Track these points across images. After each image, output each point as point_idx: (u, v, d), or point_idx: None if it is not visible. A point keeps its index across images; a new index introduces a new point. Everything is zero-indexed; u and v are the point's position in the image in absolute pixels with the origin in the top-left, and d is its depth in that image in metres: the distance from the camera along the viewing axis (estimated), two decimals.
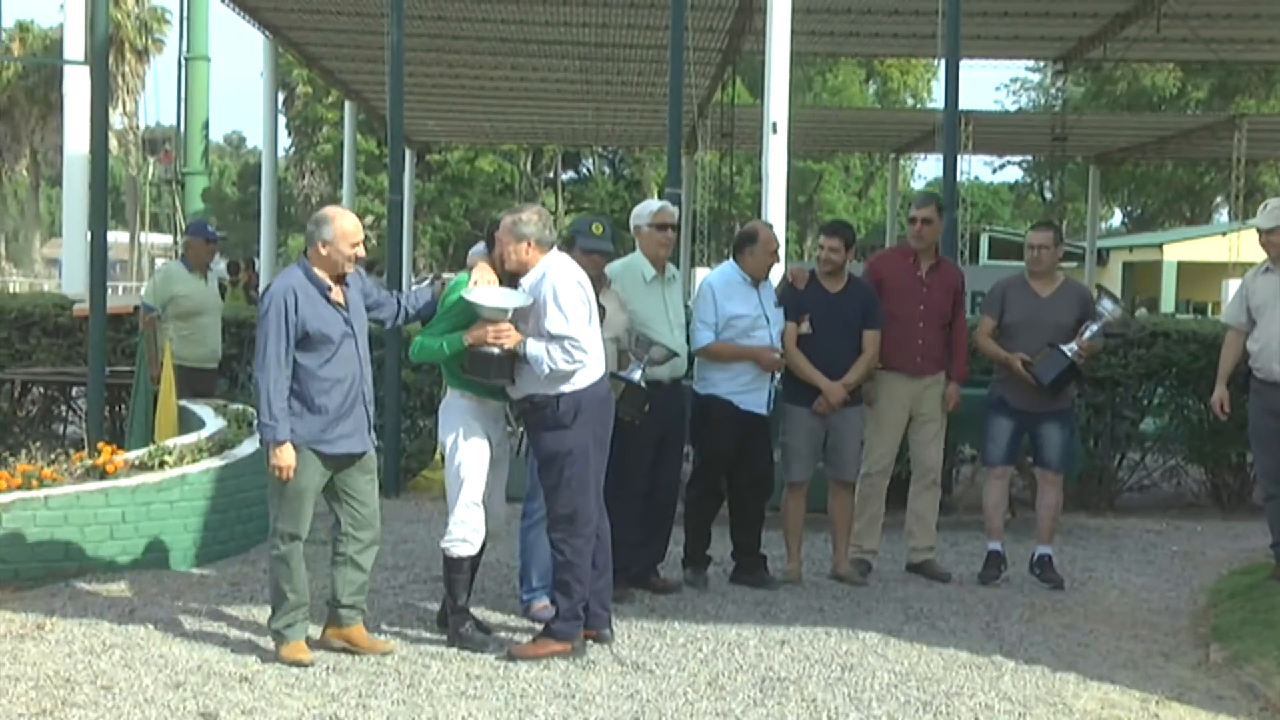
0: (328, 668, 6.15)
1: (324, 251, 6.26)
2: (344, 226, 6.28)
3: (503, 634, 6.78)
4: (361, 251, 6.39)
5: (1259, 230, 7.81)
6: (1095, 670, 6.39)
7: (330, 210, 6.47)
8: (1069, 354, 7.91)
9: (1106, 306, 8.08)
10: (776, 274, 8.27)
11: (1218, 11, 19.01)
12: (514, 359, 6.38)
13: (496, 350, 6.33)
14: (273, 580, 6.35)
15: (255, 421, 6.24)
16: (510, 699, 5.79)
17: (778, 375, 7.93)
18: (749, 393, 7.74)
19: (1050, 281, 8.14)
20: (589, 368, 6.38)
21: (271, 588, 6.38)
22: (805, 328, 7.90)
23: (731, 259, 8.02)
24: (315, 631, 6.46)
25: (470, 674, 6.12)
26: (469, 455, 6.56)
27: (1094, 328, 8.00)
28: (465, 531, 6.57)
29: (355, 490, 6.45)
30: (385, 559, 7.94)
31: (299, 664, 6.16)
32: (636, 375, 7.18)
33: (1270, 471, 7.93)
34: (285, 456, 6.14)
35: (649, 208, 7.77)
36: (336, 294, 6.29)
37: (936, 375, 8.26)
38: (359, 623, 6.52)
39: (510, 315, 6.35)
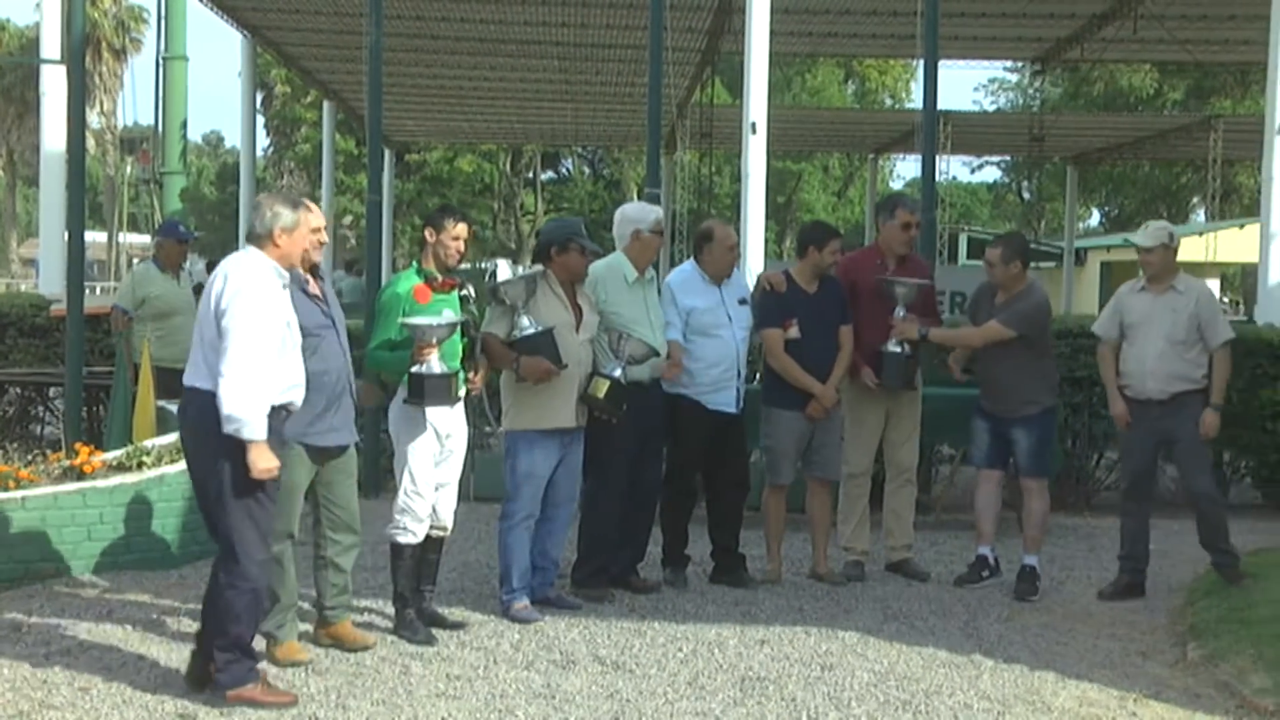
0: (307, 668, 6.14)
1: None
2: (302, 216, 6.14)
3: (483, 634, 6.78)
4: (324, 237, 6.31)
5: (1138, 248, 7.93)
6: (1073, 669, 6.42)
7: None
8: (894, 348, 7.98)
9: (898, 291, 8.06)
10: (752, 276, 8.29)
11: (1194, 13, 19.08)
12: (453, 380, 6.57)
13: (424, 370, 6.48)
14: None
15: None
16: (490, 699, 5.79)
17: (743, 373, 7.91)
18: (717, 391, 7.75)
19: (1009, 293, 8.01)
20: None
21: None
22: (794, 332, 7.91)
23: (692, 258, 8.04)
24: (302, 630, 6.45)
25: (450, 674, 6.13)
26: (414, 445, 6.68)
27: (899, 311, 8.05)
28: (408, 520, 6.69)
29: (335, 491, 6.45)
30: (364, 559, 7.91)
31: (296, 663, 6.16)
32: (617, 372, 7.20)
33: (1133, 489, 8.04)
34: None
35: (652, 214, 7.76)
36: (314, 287, 6.30)
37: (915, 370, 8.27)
38: (346, 619, 6.56)
39: (434, 339, 6.46)
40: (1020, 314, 7.88)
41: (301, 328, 6.10)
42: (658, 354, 7.47)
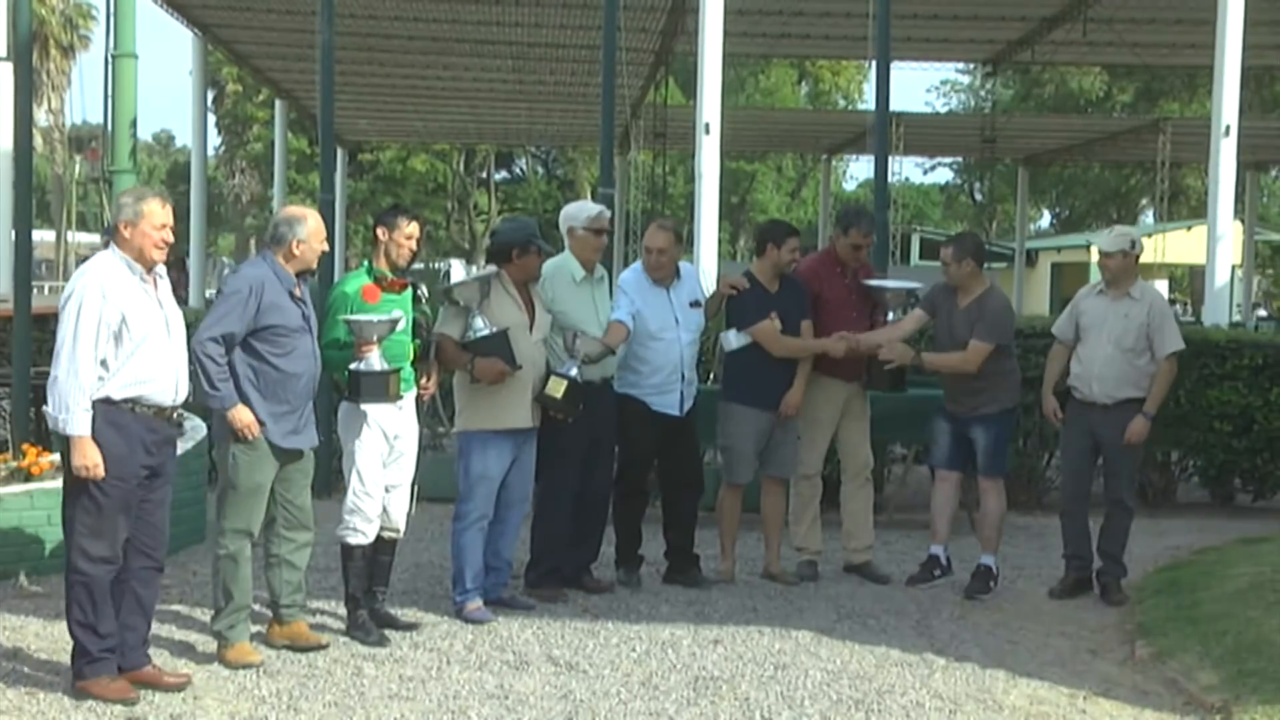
0: (259, 670, 6.10)
1: (298, 251, 6.31)
2: (314, 225, 6.37)
3: (436, 635, 6.76)
4: (326, 246, 6.47)
5: (1100, 251, 8.03)
6: (1024, 667, 6.47)
7: (297, 210, 6.55)
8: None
9: (889, 296, 8.15)
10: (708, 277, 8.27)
11: (1142, 16, 19.28)
12: (392, 378, 6.54)
13: (361, 367, 6.50)
14: (219, 581, 6.28)
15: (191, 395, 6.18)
16: (443, 700, 5.78)
17: (688, 376, 7.86)
18: (660, 394, 7.74)
19: (968, 294, 8.04)
20: (111, 382, 5.62)
21: (217, 588, 6.30)
22: (778, 323, 7.92)
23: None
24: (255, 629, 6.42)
25: (403, 675, 6.10)
26: (362, 446, 6.67)
27: (891, 315, 8.12)
28: (358, 520, 6.68)
29: (291, 490, 6.42)
30: (316, 560, 7.85)
31: (248, 665, 6.14)
32: (573, 371, 7.20)
33: (1071, 489, 8.12)
34: (245, 415, 6.08)
35: (586, 211, 7.74)
36: (298, 290, 6.34)
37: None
38: (301, 619, 6.54)
39: (374, 335, 6.46)
40: (991, 325, 7.88)
41: (285, 329, 6.17)
42: (612, 351, 7.46)
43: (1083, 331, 7.94)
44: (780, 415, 7.94)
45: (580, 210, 7.77)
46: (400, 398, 6.70)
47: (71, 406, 5.52)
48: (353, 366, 6.51)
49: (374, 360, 6.49)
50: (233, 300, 6.11)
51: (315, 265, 6.48)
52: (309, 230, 6.33)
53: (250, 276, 6.22)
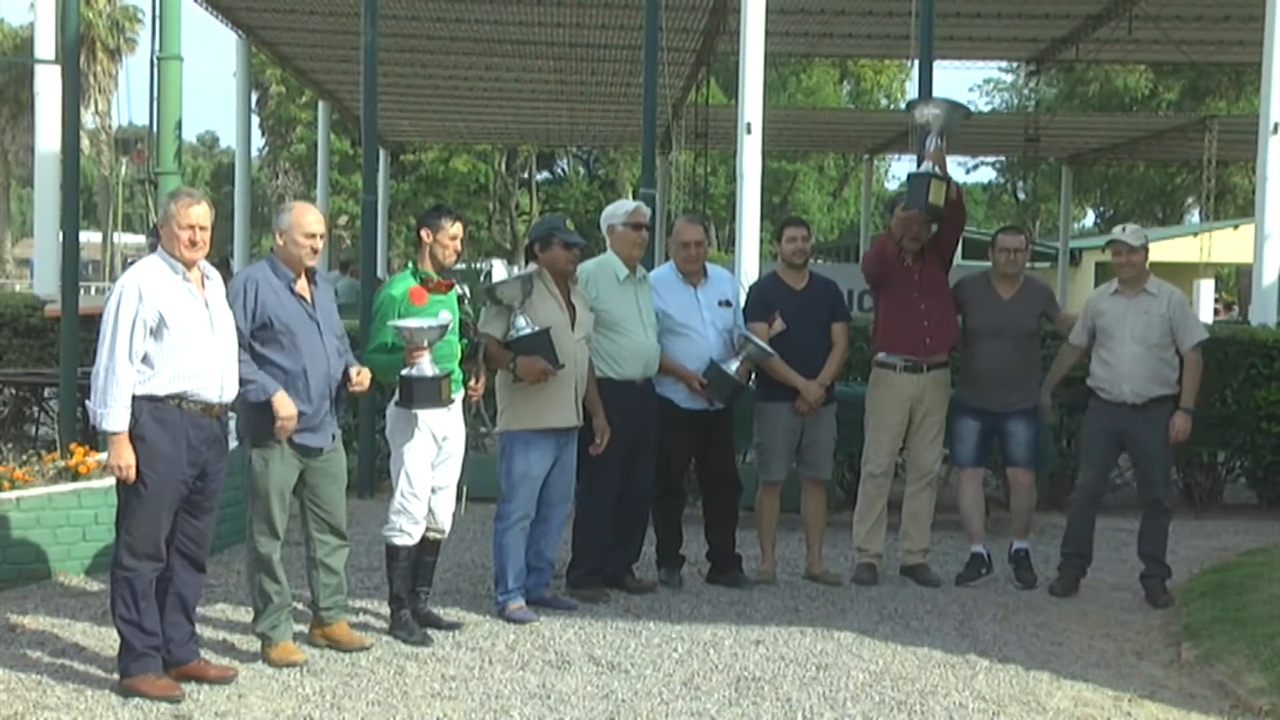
0: (302, 669, 6.14)
1: (280, 241, 6.29)
2: (295, 217, 6.27)
3: (479, 635, 6.79)
4: (318, 244, 6.33)
5: (1128, 247, 7.85)
6: (1068, 669, 6.43)
7: (288, 202, 6.58)
8: (922, 170, 7.90)
9: (931, 116, 8.00)
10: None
11: (1189, 13, 19.09)
12: (444, 383, 6.55)
13: (414, 373, 6.50)
14: (254, 582, 6.33)
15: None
16: (485, 699, 5.79)
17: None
18: (688, 391, 7.73)
19: (1013, 283, 8.16)
20: (156, 378, 5.71)
21: (253, 590, 6.35)
22: (779, 325, 7.90)
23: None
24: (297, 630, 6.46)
25: (445, 675, 6.13)
26: (410, 447, 6.69)
27: (933, 140, 7.95)
28: (404, 521, 6.70)
29: (320, 495, 6.43)
30: (359, 560, 7.93)
31: (291, 664, 6.17)
32: (732, 367, 7.57)
33: (1092, 489, 8.04)
34: (287, 406, 6.09)
35: (623, 207, 7.77)
36: (301, 287, 6.29)
37: (944, 369, 8.14)
38: (342, 620, 6.56)
39: (425, 341, 6.46)
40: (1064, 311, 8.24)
41: (285, 327, 6.16)
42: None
43: (1101, 333, 7.91)
44: (796, 410, 7.93)
45: (618, 207, 7.80)
46: (451, 401, 6.72)
47: (109, 402, 5.61)
48: (404, 373, 6.51)
49: (425, 365, 6.49)
50: (231, 300, 6.11)
51: (306, 262, 6.30)
52: (290, 220, 6.26)
53: (243, 276, 6.25)
